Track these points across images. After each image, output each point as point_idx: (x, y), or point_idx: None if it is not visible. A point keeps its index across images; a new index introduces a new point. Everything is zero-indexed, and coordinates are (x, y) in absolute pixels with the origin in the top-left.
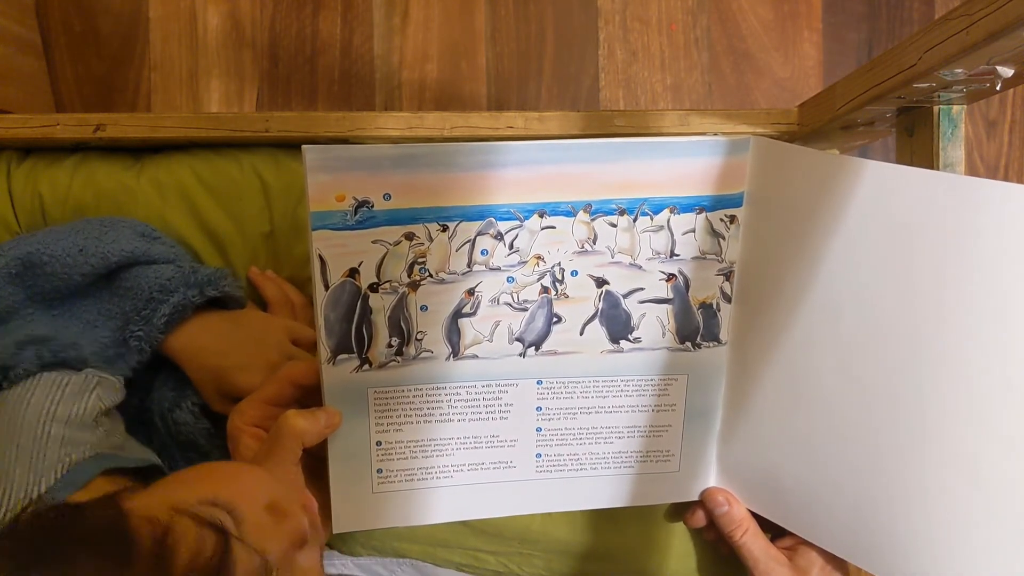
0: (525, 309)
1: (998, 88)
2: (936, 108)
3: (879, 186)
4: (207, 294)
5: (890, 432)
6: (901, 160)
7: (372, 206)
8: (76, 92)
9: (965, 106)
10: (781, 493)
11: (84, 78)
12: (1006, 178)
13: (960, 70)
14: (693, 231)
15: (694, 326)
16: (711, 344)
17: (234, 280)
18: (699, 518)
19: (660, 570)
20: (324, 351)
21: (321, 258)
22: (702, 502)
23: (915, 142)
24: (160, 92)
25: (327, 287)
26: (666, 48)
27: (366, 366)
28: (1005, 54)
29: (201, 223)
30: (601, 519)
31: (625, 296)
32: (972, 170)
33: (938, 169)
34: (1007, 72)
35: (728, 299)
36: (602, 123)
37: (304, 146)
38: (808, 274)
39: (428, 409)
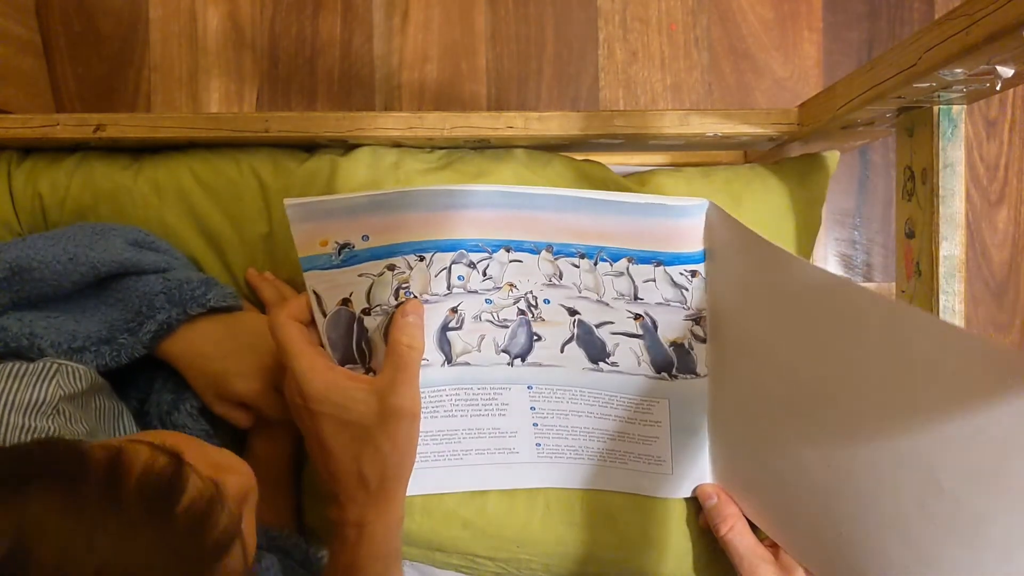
0: (506, 326)
1: (998, 88)
2: (936, 108)
3: (808, 285)
4: (190, 312)
5: (843, 493)
6: (901, 160)
7: (353, 247)
8: (76, 92)
9: (965, 106)
10: (764, 509)
11: (84, 78)
12: (1006, 178)
13: (960, 70)
14: (653, 280)
15: (667, 361)
16: (688, 376)
17: (223, 288)
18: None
19: (658, 570)
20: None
21: (315, 293)
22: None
23: (915, 142)
24: (160, 92)
25: (325, 315)
26: (666, 48)
27: (371, 375)
28: (1005, 54)
29: (199, 224)
30: (599, 520)
31: (597, 326)
32: (972, 170)
33: (938, 169)
34: (1007, 72)
35: (700, 339)
36: (602, 123)
37: (285, 201)
38: (762, 334)
39: (433, 407)
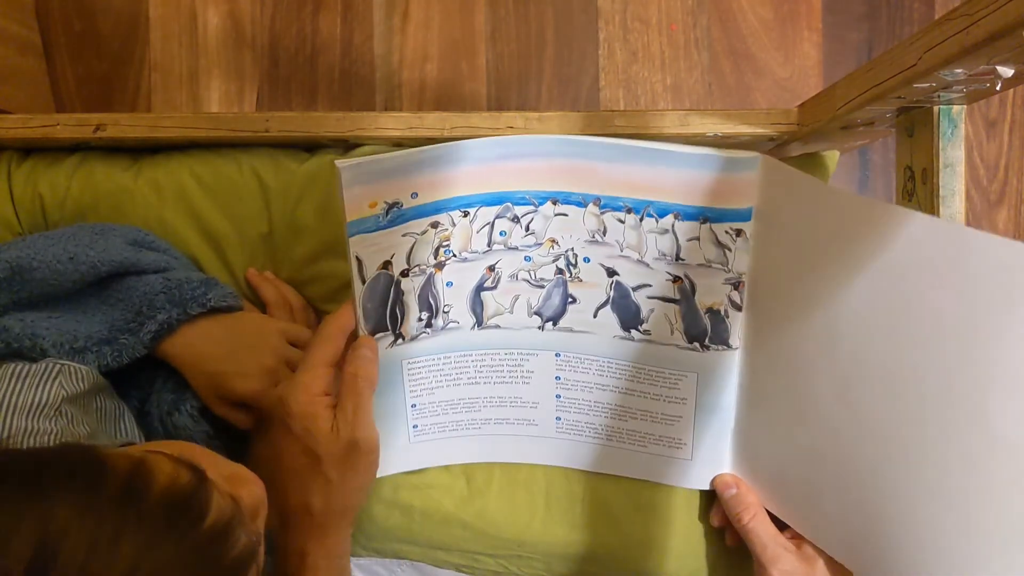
0: (542, 286)
1: (998, 88)
2: (936, 108)
3: (873, 225)
4: (190, 312)
5: (880, 460)
6: (901, 160)
7: (402, 205)
8: (76, 92)
9: (965, 106)
10: (787, 493)
11: (84, 78)
12: (1006, 178)
13: (960, 70)
14: (698, 239)
15: (702, 328)
16: (720, 348)
17: (223, 288)
18: (719, 517)
19: (659, 571)
20: (363, 333)
21: (358, 259)
22: (714, 489)
23: (915, 142)
24: (160, 92)
25: (364, 282)
26: (666, 48)
27: (400, 340)
28: (1005, 54)
29: (199, 224)
30: (600, 520)
31: (634, 289)
32: (972, 170)
33: (938, 169)
34: (1007, 72)
35: (736, 307)
36: (602, 123)
37: (337, 162)
38: (810, 297)
39: (456, 374)
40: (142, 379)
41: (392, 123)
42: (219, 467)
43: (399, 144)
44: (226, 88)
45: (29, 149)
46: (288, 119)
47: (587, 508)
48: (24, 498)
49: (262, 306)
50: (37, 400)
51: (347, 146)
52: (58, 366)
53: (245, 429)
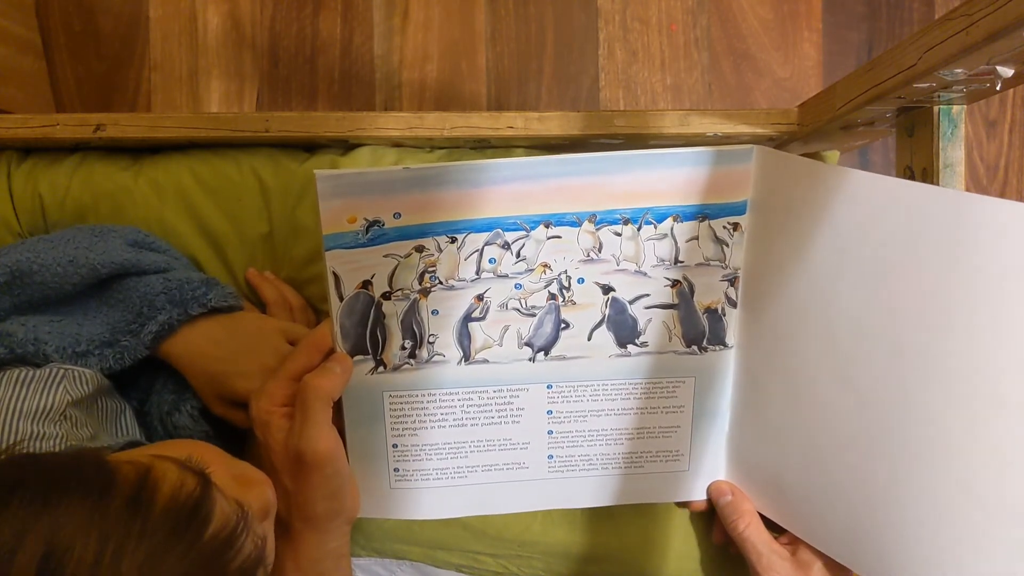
0: (533, 315)
1: (998, 88)
2: (936, 108)
3: (872, 198)
4: (191, 313)
5: (885, 442)
6: (901, 160)
7: (383, 225)
8: (76, 92)
9: (965, 106)
10: (784, 495)
11: (84, 78)
12: (1006, 178)
13: (960, 70)
14: (696, 238)
15: (700, 330)
16: (717, 348)
17: (223, 288)
18: (721, 534)
19: (659, 571)
20: (340, 351)
21: (335, 274)
22: (708, 496)
23: (915, 142)
24: (160, 92)
25: (342, 299)
26: (666, 48)
27: (381, 368)
28: (1005, 54)
29: (199, 224)
30: (600, 521)
31: (631, 302)
32: (972, 170)
33: (938, 169)
34: (1007, 72)
35: (733, 304)
36: (602, 123)
37: (316, 172)
38: (807, 283)
39: (442, 415)
40: (142, 380)
41: (392, 123)
42: (228, 467)
43: (399, 144)
44: (226, 88)
45: (29, 149)
46: (288, 119)
47: (587, 509)
48: (32, 508)
49: (262, 306)
50: (42, 405)
51: (347, 146)
52: (62, 371)
53: (245, 429)
